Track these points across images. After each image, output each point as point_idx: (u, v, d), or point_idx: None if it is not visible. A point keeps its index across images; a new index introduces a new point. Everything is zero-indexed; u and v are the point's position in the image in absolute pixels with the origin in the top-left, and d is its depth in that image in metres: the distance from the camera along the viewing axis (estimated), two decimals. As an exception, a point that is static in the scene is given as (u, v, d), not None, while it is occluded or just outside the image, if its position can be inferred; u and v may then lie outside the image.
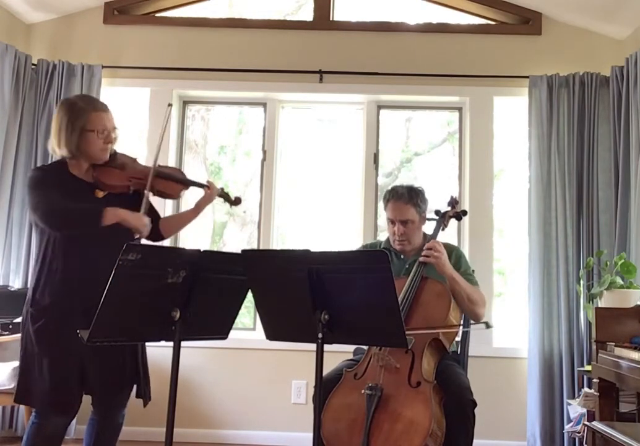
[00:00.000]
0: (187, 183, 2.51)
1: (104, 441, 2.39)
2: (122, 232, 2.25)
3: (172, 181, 2.45)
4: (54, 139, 2.29)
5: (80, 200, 2.27)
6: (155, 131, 4.03)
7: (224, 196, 2.59)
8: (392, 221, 2.70)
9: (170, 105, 2.52)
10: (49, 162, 3.79)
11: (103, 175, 2.31)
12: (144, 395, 2.33)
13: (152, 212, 2.46)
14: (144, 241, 2.42)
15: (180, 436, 3.07)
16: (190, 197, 2.75)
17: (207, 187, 2.53)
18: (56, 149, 2.29)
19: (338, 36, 4.12)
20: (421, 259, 2.52)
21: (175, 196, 2.51)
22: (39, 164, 3.84)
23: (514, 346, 3.86)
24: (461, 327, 2.55)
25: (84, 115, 2.27)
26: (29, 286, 2.30)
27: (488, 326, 2.42)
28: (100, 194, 2.32)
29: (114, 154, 2.38)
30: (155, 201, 2.48)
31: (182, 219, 2.59)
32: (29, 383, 2.19)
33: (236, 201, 2.61)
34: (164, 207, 3.63)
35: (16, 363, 3.12)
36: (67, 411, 2.21)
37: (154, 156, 2.41)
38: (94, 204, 2.24)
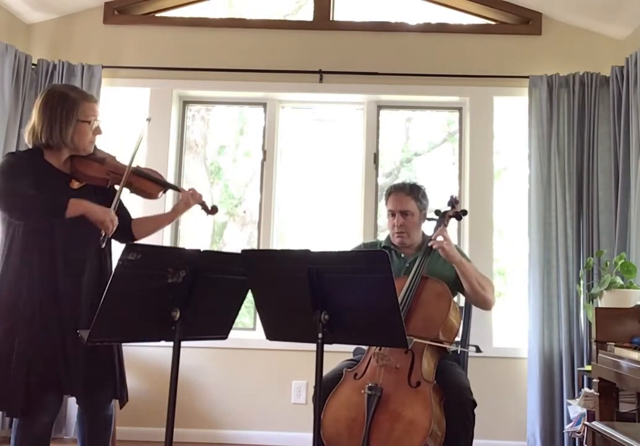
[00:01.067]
0: (165, 185, 2.49)
1: (96, 434, 2.36)
2: (87, 229, 2.21)
3: (150, 181, 2.43)
4: (41, 129, 2.22)
5: (54, 189, 2.23)
6: (155, 131, 4.03)
7: (202, 204, 2.54)
8: (392, 213, 2.73)
9: (148, 119, 2.51)
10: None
11: (82, 166, 2.29)
12: (120, 396, 2.31)
13: (122, 212, 2.43)
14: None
15: (180, 436, 3.07)
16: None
17: (188, 193, 2.48)
18: (41, 139, 2.23)
19: (338, 36, 4.12)
20: (430, 243, 2.53)
21: (154, 195, 2.46)
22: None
23: (514, 346, 3.86)
24: (453, 346, 2.48)
25: (78, 105, 2.25)
26: None
27: (478, 350, 2.33)
28: (76, 184, 2.28)
29: (94, 148, 2.36)
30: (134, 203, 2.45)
31: (157, 221, 2.52)
32: None
33: (213, 210, 2.56)
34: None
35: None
36: (40, 410, 2.15)
37: (131, 155, 2.37)
38: (59, 195, 2.17)
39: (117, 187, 2.36)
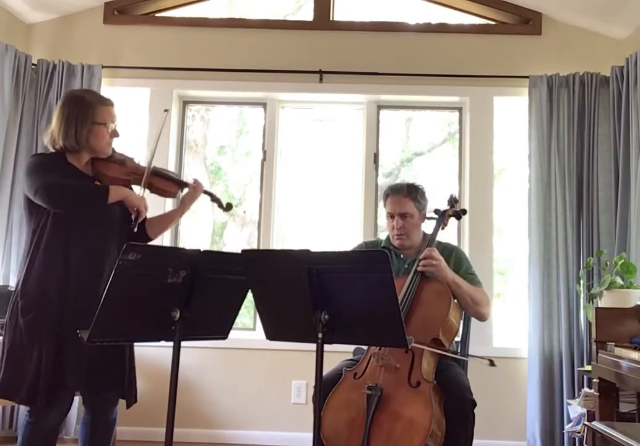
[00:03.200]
0: (183, 184, 2.55)
1: (98, 438, 2.39)
2: (108, 229, 2.29)
3: (169, 181, 2.50)
4: (58, 131, 2.29)
5: None
6: (155, 131, 4.03)
7: (215, 199, 2.61)
8: (391, 216, 2.69)
9: (166, 111, 2.63)
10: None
11: (103, 168, 2.36)
12: (128, 396, 2.32)
13: None
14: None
15: (180, 436, 3.06)
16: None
17: (192, 185, 2.55)
18: (59, 142, 2.29)
19: (338, 36, 4.12)
20: (419, 268, 2.49)
21: (172, 194, 2.54)
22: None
23: (514, 346, 3.86)
24: (466, 358, 2.52)
25: (94, 108, 2.30)
26: (17, 277, 2.28)
27: (492, 364, 2.27)
28: None
29: (113, 151, 2.42)
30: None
31: (168, 218, 2.59)
32: (12, 377, 2.17)
33: (227, 207, 2.62)
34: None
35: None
36: (54, 405, 2.19)
37: (150, 155, 2.45)
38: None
39: (135, 187, 2.42)
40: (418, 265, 2.50)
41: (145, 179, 2.37)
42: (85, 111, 2.28)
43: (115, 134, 2.37)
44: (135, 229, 2.33)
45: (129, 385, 2.33)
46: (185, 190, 2.56)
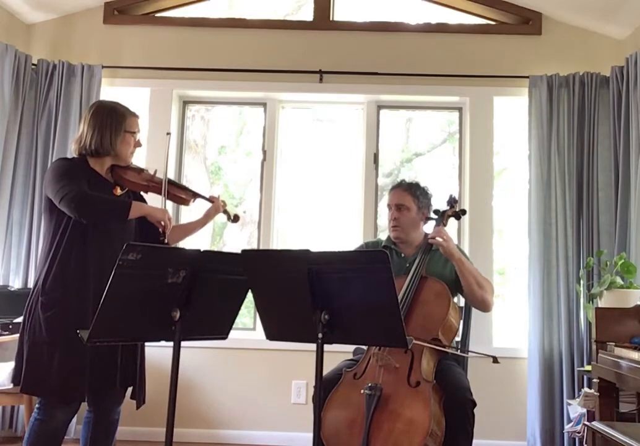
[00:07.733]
0: (195, 194, 2.66)
1: (100, 438, 2.40)
2: (133, 222, 2.41)
3: (183, 190, 2.63)
4: (91, 137, 2.37)
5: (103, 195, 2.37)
6: (155, 131, 4.03)
7: (226, 211, 2.74)
8: (389, 207, 2.78)
9: (168, 134, 2.71)
10: (50, 161, 3.81)
11: (126, 174, 2.47)
12: (138, 397, 2.35)
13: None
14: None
15: (180, 436, 3.07)
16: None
17: (212, 200, 2.68)
18: (90, 145, 2.36)
19: (338, 36, 4.12)
20: (430, 240, 2.56)
21: (187, 202, 2.64)
22: (39, 164, 3.86)
23: (514, 346, 3.86)
24: (471, 354, 2.53)
25: (125, 118, 2.44)
26: (37, 276, 2.33)
27: (495, 360, 2.29)
28: (119, 191, 2.44)
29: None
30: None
31: (189, 228, 2.71)
32: (36, 372, 2.20)
33: (235, 219, 2.74)
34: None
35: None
36: (74, 402, 2.23)
37: (163, 171, 2.54)
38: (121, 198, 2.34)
39: (150, 194, 2.54)
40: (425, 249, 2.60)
41: (165, 186, 2.48)
42: (119, 120, 2.41)
43: (138, 144, 2.50)
44: (166, 241, 2.41)
45: (139, 386, 2.36)
46: (198, 200, 2.67)
